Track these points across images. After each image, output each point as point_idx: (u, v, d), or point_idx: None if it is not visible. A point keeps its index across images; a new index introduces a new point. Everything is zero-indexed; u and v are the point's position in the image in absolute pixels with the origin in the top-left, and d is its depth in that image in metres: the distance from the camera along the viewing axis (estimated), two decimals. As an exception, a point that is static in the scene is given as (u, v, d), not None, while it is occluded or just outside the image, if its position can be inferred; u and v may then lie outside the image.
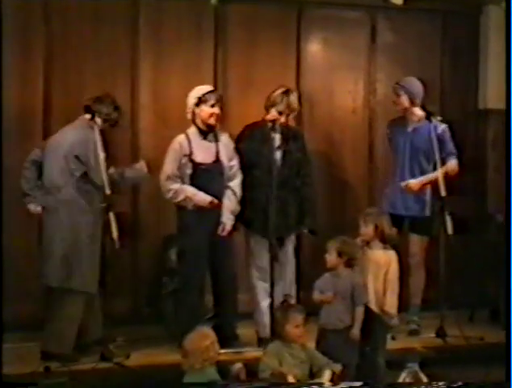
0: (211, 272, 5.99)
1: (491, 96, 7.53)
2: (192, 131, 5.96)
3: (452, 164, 6.49)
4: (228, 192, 5.96)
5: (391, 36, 7.35)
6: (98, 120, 5.68)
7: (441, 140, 6.41)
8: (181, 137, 5.95)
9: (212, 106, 5.89)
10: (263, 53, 6.97)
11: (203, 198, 5.82)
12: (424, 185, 6.44)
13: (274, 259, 5.90)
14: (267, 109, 6.06)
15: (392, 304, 5.55)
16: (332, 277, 5.38)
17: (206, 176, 5.89)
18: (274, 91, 6.05)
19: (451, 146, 6.47)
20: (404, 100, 6.47)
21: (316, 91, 7.14)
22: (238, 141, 6.14)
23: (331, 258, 5.34)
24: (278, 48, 7.03)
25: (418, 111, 6.51)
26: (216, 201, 5.82)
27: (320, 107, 7.15)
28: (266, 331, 5.86)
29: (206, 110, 5.89)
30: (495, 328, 6.63)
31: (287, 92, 6.04)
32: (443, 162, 6.41)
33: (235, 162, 6.02)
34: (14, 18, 6.18)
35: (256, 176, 6.03)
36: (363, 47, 7.30)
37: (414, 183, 6.41)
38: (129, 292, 6.55)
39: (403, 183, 6.42)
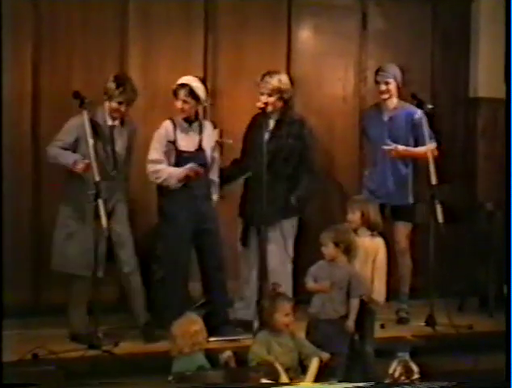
0: (198, 259, 5.99)
1: (482, 84, 7.52)
2: (178, 119, 5.95)
3: (432, 146, 6.44)
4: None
5: (382, 23, 7.32)
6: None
7: (418, 126, 6.44)
8: (167, 123, 5.95)
9: (177, 99, 5.86)
10: (253, 40, 6.93)
11: (183, 170, 5.80)
12: (408, 155, 6.46)
13: (243, 244, 6.11)
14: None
15: (379, 291, 5.55)
16: (328, 266, 5.35)
17: (187, 164, 5.86)
18: None
19: (428, 132, 6.41)
20: (393, 87, 6.45)
21: (306, 78, 7.10)
22: (247, 129, 6.25)
23: (329, 250, 5.31)
24: (268, 35, 6.99)
25: (395, 99, 6.51)
26: (196, 168, 5.78)
27: (310, 94, 7.11)
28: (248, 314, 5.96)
29: (176, 103, 5.89)
30: (484, 317, 6.68)
31: (268, 73, 6.06)
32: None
33: (216, 154, 6.08)
34: (2, 4, 6.11)
35: (248, 163, 6.06)
36: (353, 34, 7.27)
37: (402, 148, 6.41)
38: (118, 279, 6.50)
39: (389, 147, 6.40)
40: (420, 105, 6.36)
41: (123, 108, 5.76)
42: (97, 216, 5.42)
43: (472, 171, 7.59)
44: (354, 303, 5.30)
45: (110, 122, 5.81)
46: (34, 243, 6.46)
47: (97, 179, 5.44)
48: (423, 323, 6.27)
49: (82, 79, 6.37)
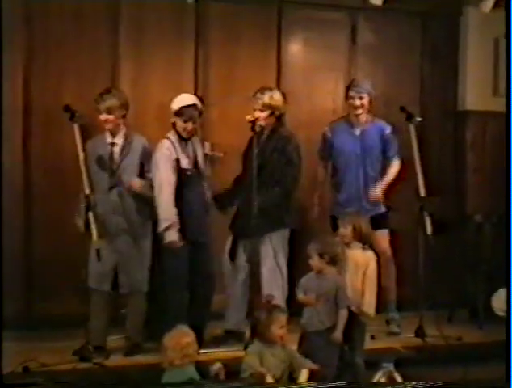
0: (189, 271, 5.96)
1: (470, 98, 7.57)
2: (173, 136, 5.95)
3: (396, 165, 6.59)
4: None
5: (371, 37, 7.37)
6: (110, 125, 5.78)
7: (387, 141, 6.54)
8: (166, 143, 5.91)
9: (185, 121, 5.88)
10: (244, 53, 6.98)
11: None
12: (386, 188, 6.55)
13: (231, 258, 6.14)
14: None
15: (370, 304, 5.57)
16: (316, 278, 5.39)
17: (191, 182, 5.92)
18: None
19: (396, 147, 6.55)
20: (367, 102, 6.49)
21: (296, 92, 7.11)
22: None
23: (314, 261, 5.36)
24: (259, 49, 7.03)
25: (366, 114, 6.55)
26: None
27: (300, 107, 7.13)
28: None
29: (179, 123, 5.90)
30: (473, 328, 6.70)
31: (260, 90, 6.10)
32: (388, 164, 6.59)
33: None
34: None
35: (240, 178, 6.13)
36: (343, 47, 7.31)
37: (379, 191, 6.48)
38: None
39: (373, 195, 6.46)
40: (409, 118, 6.36)
41: (110, 117, 5.76)
42: (88, 228, 5.45)
43: (461, 184, 7.64)
44: (342, 314, 5.32)
45: (109, 139, 5.83)
46: (27, 256, 6.46)
47: (87, 192, 5.48)
48: (413, 335, 6.29)
49: (74, 93, 6.40)
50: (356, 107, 6.48)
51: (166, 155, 5.85)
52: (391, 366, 5.31)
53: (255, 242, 5.98)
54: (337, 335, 5.30)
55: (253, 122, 5.99)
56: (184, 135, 5.92)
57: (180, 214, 5.81)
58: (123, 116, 5.88)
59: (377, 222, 6.32)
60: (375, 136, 6.55)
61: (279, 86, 6.92)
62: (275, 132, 6.16)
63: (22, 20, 6.39)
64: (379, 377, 5.28)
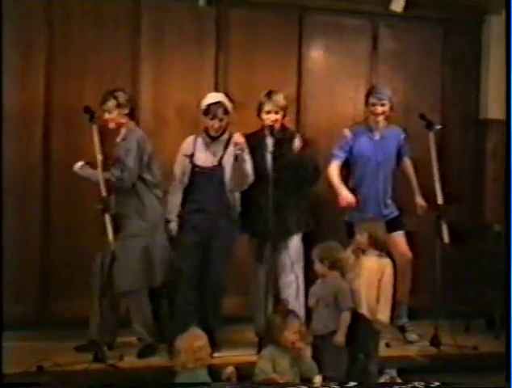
0: (200, 273, 5.98)
1: (492, 106, 7.51)
2: (201, 134, 6.02)
3: (410, 165, 6.69)
4: None
5: (392, 44, 7.33)
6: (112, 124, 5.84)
7: (402, 147, 6.61)
8: (189, 138, 6.06)
9: (212, 119, 5.91)
10: (264, 59, 6.97)
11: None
12: None
13: (260, 261, 6.04)
14: (259, 115, 6.13)
15: (384, 312, 5.55)
16: (320, 283, 5.45)
17: (202, 180, 5.93)
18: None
19: (408, 151, 6.66)
20: (388, 109, 6.48)
21: (317, 98, 7.14)
22: None
23: (316, 266, 5.43)
24: (279, 54, 7.02)
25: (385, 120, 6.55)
26: None
27: (320, 113, 7.14)
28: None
29: (206, 121, 5.95)
30: (490, 338, 6.66)
31: (269, 93, 6.10)
32: (404, 166, 6.70)
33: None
34: (16, 19, 6.21)
35: (255, 182, 6.03)
36: (364, 54, 7.29)
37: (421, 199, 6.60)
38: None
39: (420, 205, 6.56)
40: (429, 126, 6.34)
41: (110, 116, 5.84)
42: (104, 231, 5.48)
43: (481, 192, 7.58)
44: (344, 317, 5.32)
45: (117, 139, 5.91)
46: (43, 256, 6.50)
47: (103, 194, 5.51)
48: (428, 343, 6.26)
49: (94, 94, 6.40)
50: (377, 114, 6.46)
51: (182, 150, 6.01)
52: (393, 372, 5.31)
53: (275, 245, 5.99)
54: (339, 337, 5.30)
55: (272, 126, 6.00)
56: (212, 133, 5.95)
57: (189, 210, 5.92)
58: (127, 115, 5.93)
59: (392, 225, 6.32)
60: (393, 141, 6.56)
61: (299, 93, 6.98)
62: (287, 133, 6.15)
63: (43, 22, 6.44)
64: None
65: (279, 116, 6.09)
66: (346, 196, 6.39)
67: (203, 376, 4.88)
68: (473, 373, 5.70)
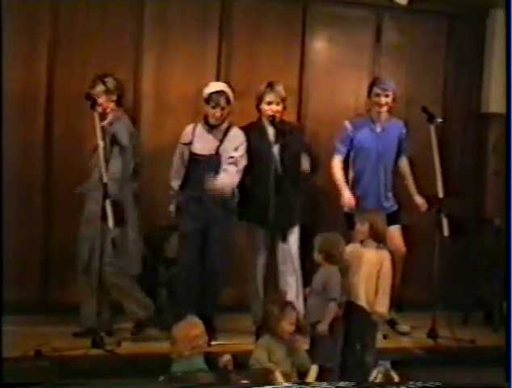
0: (199, 261, 5.99)
1: (494, 100, 7.52)
2: (201, 122, 6.05)
3: (406, 163, 6.66)
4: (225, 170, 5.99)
5: (396, 36, 7.33)
6: (99, 108, 5.75)
7: (403, 140, 6.58)
8: (188, 127, 6.10)
9: (213, 107, 5.93)
10: (267, 49, 6.97)
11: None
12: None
13: (262, 251, 6.07)
14: (258, 107, 6.15)
15: (382, 303, 5.55)
16: (317, 273, 5.47)
17: (200, 168, 5.94)
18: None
19: (407, 147, 6.61)
20: (391, 100, 6.46)
21: (319, 89, 7.14)
22: None
23: (315, 255, 5.45)
24: (282, 44, 7.03)
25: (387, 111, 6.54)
26: None
27: (322, 104, 7.15)
28: None
29: (208, 109, 5.97)
30: (488, 331, 6.68)
31: (270, 84, 6.12)
32: (401, 162, 6.65)
33: (238, 153, 6.01)
34: (20, 5, 6.20)
35: (256, 172, 6.05)
36: (367, 46, 7.29)
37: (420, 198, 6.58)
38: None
39: (421, 204, 6.53)
40: (431, 119, 6.35)
41: (99, 100, 5.78)
42: (104, 217, 5.49)
43: (482, 186, 7.60)
44: (329, 307, 5.32)
45: (99, 123, 5.77)
46: (43, 243, 6.52)
47: (105, 180, 5.52)
48: (425, 335, 6.27)
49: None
50: (381, 105, 6.45)
51: (181, 138, 6.08)
52: (387, 364, 5.32)
53: (276, 234, 6.05)
54: (321, 326, 5.31)
55: (273, 116, 6.02)
56: (212, 121, 5.97)
57: (186, 198, 5.97)
58: (115, 101, 5.93)
59: (390, 218, 6.28)
60: (394, 134, 6.55)
61: (301, 83, 6.98)
62: (284, 123, 6.16)
63: (47, 9, 6.43)
64: (375, 374, 5.30)
65: (280, 107, 6.10)
66: (348, 198, 6.38)
67: (200, 363, 4.90)
68: (470, 366, 5.70)
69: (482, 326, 6.91)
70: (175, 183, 6.06)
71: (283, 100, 6.13)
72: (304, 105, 7.06)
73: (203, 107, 6.01)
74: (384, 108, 6.46)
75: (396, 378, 5.26)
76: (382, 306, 5.57)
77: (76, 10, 6.52)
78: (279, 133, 6.03)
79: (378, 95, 6.46)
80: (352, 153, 6.58)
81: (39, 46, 6.44)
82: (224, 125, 6.03)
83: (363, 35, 7.28)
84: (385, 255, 5.63)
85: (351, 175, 6.59)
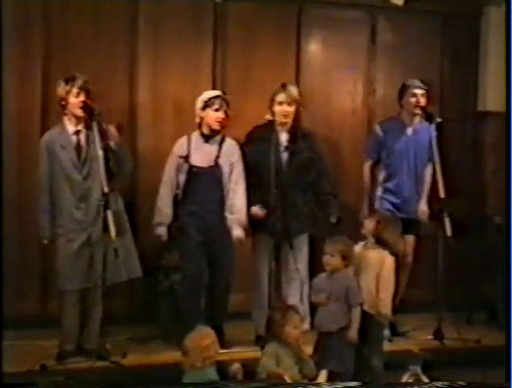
0: (206, 273, 5.93)
1: (490, 98, 7.51)
2: (195, 134, 5.98)
3: (429, 172, 6.58)
4: (232, 207, 5.94)
5: (391, 37, 7.33)
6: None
7: (432, 145, 6.43)
8: (182, 139, 5.99)
9: (217, 110, 5.88)
10: (262, 52, 6.94)
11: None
12: None
13: (277, 260, 6.01)
14: (271, 109, 6.06)
15: (385, 304, 5.51)
16: (327, 278, 5.40)
17: (201, 180, 5.89)
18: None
19: (434, 153, 6.39)
20: (424, 99, 6.42)
21: (315, 91, 7.10)
22: (247, 143, 6.14)
23: (334, 261, 5.34)
24: (277, 47, 7.00)
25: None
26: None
27: (319, 107, 7.11)
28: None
29: (210, 114, 5.90)
30: (492, 330, 6.64)
31: (283, 84, 6.08)
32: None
33: (237, 170, 5.97)
34: (14, 15, 6.14)
35: (263, 178, 5.93)
36: (362, 47, 7.27)
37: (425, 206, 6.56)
38: (125, 290, 6.49)
39: (422, 212, 6.52)
40: (429, 118, 6.34)
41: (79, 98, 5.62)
42: (105, 227, 5.41)
43: (481, 185, 7.58)
44: (356, 313, 5.30)
45: (73, 128, 5.65)
46: (44, 255, 6.44)
47: (105, 190, 5.43)
48: (431, 337, 6.25)
49: (92, 91, 6.36)
50: (418, 105, 6.40)
51: (174, 151, 5.95)
52: (418, 369, 5.29)
53: (284, 242, 6.03)
54: (353, 334, 5.29)
55: (285, 121, 6.02)
56: (216, 126, 5.90)
57: (189, 211, 5.86)
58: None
59: (410, 227, 6.34)
60: (425, 136, 6.43)
61: (297, 86, 6.90)
62: (296, 129, 6.13)
63: (40, 18, 6.39)
64: (406, 379, 5.27)
65: (291, 109, 6.05)
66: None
67: (212, 374, 4.82)
68: (477, 366, 5.67)
69: (486, 325, 6.88)
70: (167, 201, 5.94)
71: (296, 102, 6.07)
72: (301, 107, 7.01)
73: (202, 115, 5.93)
74: (419, 110, 6.40)
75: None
76: (385, 308, 5.53)
77: (69, 19, 6.47)
78: (291, 139, 6.02)
79: (415, 96, 6.40)
80: (383, 157, 6.55)
81: (34, 58, 6.38)
82: (219, 137, 5.97)
83: (358, 37, 7.27)
84: (386, 255, 5.57)
85: (383, 179, 6.56)
